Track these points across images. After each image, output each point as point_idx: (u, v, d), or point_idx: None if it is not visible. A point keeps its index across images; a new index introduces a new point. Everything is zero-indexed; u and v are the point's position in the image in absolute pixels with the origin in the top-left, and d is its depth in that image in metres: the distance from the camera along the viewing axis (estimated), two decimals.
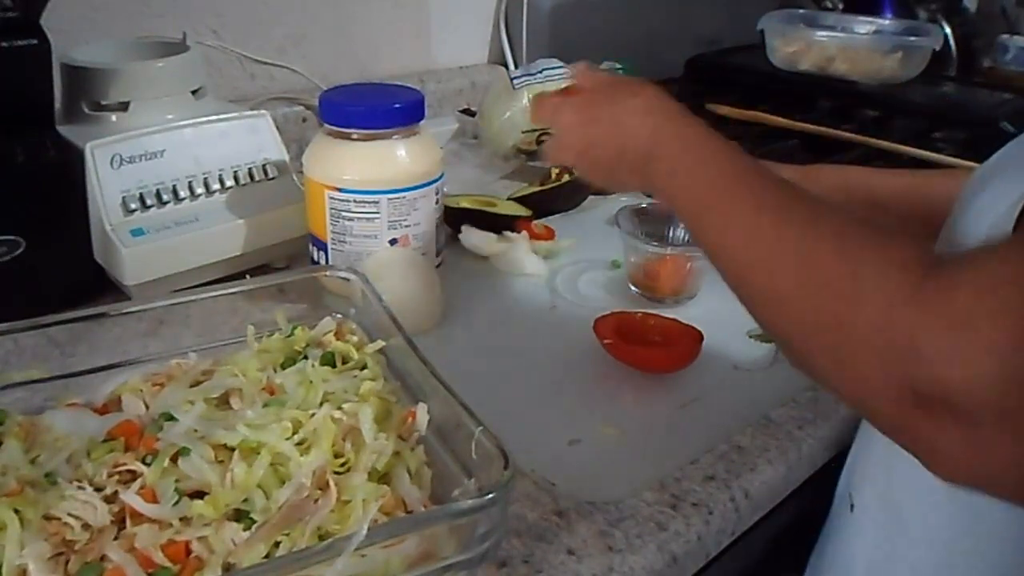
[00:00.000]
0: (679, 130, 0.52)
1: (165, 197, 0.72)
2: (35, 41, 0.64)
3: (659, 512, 0.52)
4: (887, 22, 1.41)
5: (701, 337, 0.66)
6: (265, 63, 1.08)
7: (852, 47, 1.32)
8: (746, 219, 0.45)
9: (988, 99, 1.32)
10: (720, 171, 0.49)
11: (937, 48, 1.31)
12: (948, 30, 1.48)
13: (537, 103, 0.62)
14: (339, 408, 0.50)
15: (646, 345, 0.66)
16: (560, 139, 0.60)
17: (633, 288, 0.79)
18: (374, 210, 0.70)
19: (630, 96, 0.55)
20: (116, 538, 0.43)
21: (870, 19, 1.41)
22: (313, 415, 0.49)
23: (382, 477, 0.47)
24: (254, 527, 0.42)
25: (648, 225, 0.79)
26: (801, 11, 1.46)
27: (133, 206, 0.70)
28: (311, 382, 0.53)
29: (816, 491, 0.63)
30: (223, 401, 0.53)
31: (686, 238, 0.78)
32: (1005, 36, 1.68)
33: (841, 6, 1.62)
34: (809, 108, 1.29)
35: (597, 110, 0.56)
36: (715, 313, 0.66)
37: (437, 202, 0.74)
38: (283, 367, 0.58)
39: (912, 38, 1.31)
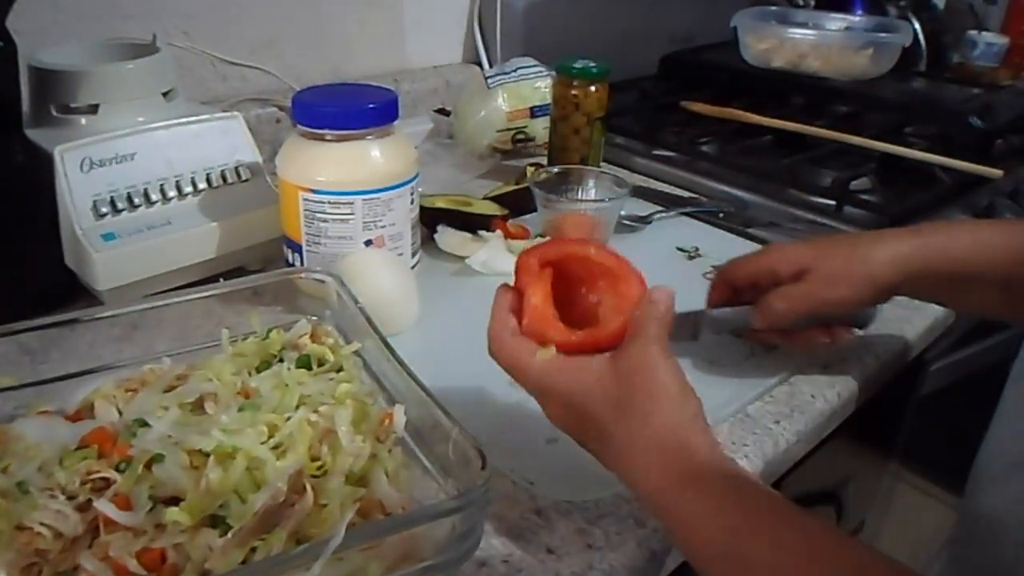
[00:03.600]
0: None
1: (136, 200, 0.71)
2: (1, 43, 0.63)
3: (638, 509, 0.52)
4: (858, 19, 1.42)
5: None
6: (237, 64, 1.07)
7: (824, 44, 1.33)
8: None
9: (957, 94, 1.34)
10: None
11: (907, 44, 1.32)
12: (918, 26, 1.49)
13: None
14: (315, 411, 0.50)
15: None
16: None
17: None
18: (349, 211, 0.69)
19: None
20: (90, 547, 0.42)
21: (841, 16, 1.42)
22: (289, 418, 0.49)
23: (359, 480, 0.47)
24: (230, 533, 0.42)
25: (557, 184, 0.87)
26: (774, 8, 1.47)
27: (104, 210, 0.70)
28: (287, 385, 0.53)
29: (793, 486, 0.64)
30: (198, 406, 0.53)
31: (585, 195, 0.88)
32: (973, 32, 1.70)
33: (813, 3, 1.63)
34: (782, 104, 1.30)
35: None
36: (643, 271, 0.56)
37: (412, 202, 0.74)
38: (258, 371, 0.57)
39: (882, 35, 1.32)
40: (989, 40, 1.69)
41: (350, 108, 0.70)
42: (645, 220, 0.93)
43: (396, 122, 0.73)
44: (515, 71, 1.10)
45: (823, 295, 0.60)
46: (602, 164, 1.04)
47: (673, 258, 0.86)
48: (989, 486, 0.54)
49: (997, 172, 1.01)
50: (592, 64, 0.97)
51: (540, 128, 1.09)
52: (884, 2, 1.56)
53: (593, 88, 0.98)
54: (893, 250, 0.60)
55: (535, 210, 0.86)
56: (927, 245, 0.61)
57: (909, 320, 0.76)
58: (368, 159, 0.70)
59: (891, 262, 0.60)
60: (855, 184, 1.02)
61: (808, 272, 0.60)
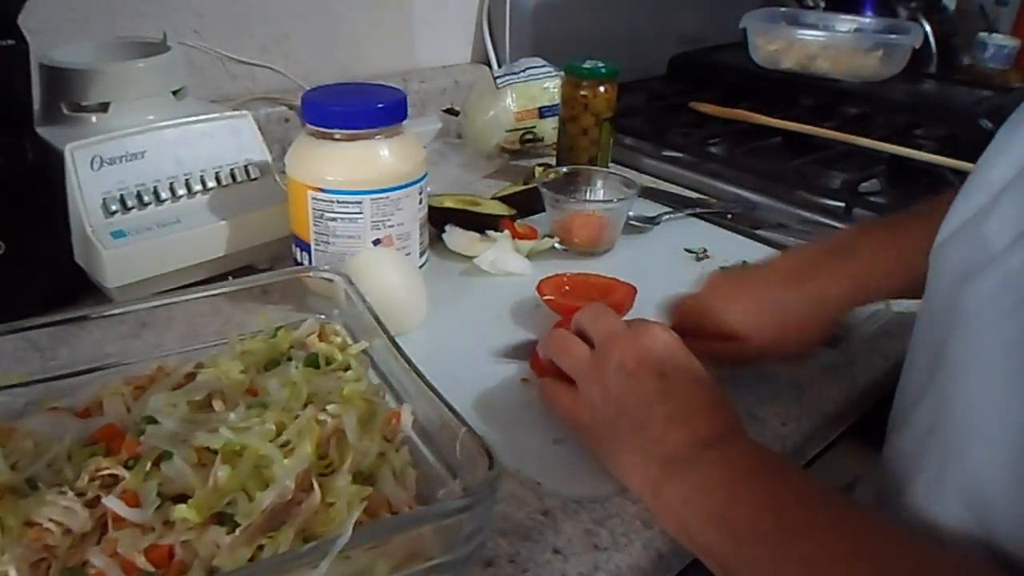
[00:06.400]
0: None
1: (146, 198, 0.72)
2: (12, 42, 0.63)
3: (645, 510, 0.52)
4: (868, 20, 1.42)
5: (635, 290, 0.74)
6: (247, 63, 1.08)
7: (833, 45, 1.32)
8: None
9: (967, 96, 1.33)
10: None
11: (917, 46, 1.32)
12: (928, 28, 1.49)
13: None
14: (323, 410, 0.50)
15: (584, 300, 0.68)
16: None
17: (558, 245, 0.85)
18: (357, 210, 0.70)
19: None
20: (98, 543, 0.42)
21: (851, 17, 1.42)
22: (297, 417, 0.49)
23: (367, 478, 0.47)
24: (238, 530, 0.42)
25: (565, 185, 0.89)
26: (783, 9, 1.47)
27: (114, 208, 0.70)
28: (294, 384, 0.53)
29: None
30: (206, 404, 0.53)
31: (593, 196, 0.90)
32: (984, 34, 1.69)
33: (823, 4, 1.62)
34: (791, 106, 1.30)
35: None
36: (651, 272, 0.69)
37: (420, 202, 0.74)
38: (266, 369, 0.57)
39: (892, 36, 1.32)
40: (1000, 42, 1.68)
41: (359, 107, 0.70)
42: (653, 221, 0.93)
43: (405, 122, 0.73)
44: (524, 71, 1.10)
45: (752, 359, 0.63)
46: (610, 165, 1.04)
47: (681, 259, 0.86)
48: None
49: None
50: (601, 64, 0.97)
51: (549, 128, 1.09)
52: (894, 3, 1.56)
53: (602, 88, 0.97)
54: (832, 302, 0.62)
55: (543, 210, 0.86)
56: (865, 286, 0.62)
57: None
58: (377, 158, 0.70)
59: (825, 315, 0.62)
60: (864, 186, 1.02)
61: (742, 340, 0.62)
